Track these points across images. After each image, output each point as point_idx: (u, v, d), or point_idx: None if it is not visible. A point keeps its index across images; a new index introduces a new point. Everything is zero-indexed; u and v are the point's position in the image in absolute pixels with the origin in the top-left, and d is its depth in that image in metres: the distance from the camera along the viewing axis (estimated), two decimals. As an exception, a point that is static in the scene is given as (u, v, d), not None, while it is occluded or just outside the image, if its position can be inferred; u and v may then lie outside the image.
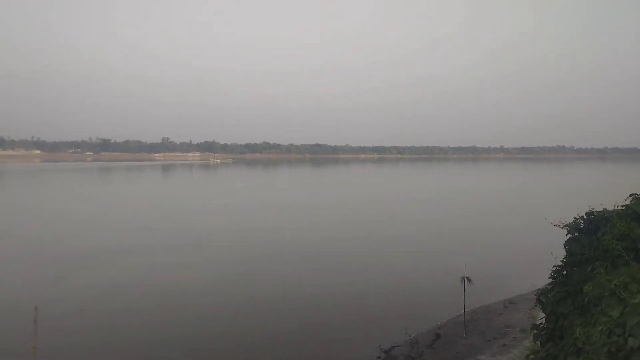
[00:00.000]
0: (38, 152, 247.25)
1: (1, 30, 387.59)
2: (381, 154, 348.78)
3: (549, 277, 8.21)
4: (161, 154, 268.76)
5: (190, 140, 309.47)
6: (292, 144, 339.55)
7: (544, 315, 8.20)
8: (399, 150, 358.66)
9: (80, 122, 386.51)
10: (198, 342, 14.16)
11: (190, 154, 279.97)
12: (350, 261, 25.63)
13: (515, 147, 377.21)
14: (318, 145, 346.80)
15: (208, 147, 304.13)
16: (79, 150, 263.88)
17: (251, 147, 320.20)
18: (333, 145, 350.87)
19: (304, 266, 23.18)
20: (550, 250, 8.50)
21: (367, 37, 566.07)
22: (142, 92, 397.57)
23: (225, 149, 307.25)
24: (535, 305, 9.43)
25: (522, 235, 35.65)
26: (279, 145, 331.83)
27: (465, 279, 19.68)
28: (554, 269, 8.13)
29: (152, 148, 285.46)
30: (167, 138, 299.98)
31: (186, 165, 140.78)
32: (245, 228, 33.96)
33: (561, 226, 8.44)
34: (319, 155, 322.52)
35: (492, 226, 40.35)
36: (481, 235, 36.08)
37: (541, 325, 8.04)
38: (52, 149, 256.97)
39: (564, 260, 8.11)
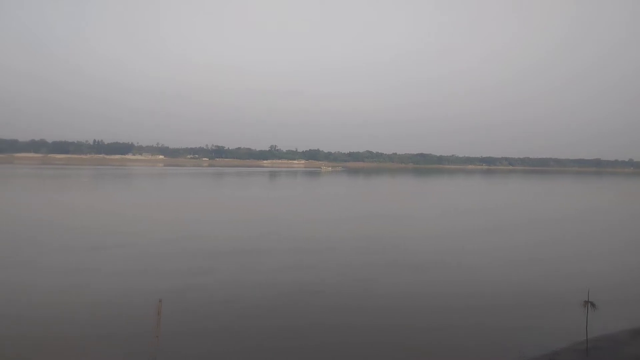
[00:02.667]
0: (161, 157, 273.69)
1: (138, 51, 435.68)
2: (490, 165, 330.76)
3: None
4: (269, 161, 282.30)
5: (296, 148, 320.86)
6: (395, 153, 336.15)
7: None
8: (510, 161, 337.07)
9: (199, 131, 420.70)
10: (339, 347, 13.74)
11: (295, 162, 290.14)
12: (465, 273, 23.94)
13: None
14: (422, 154, 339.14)
15: (312, 155, 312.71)
16: (196, 156, 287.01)
17: (354, 156, 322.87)
18: (438, 155, 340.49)
19: (417, 277, 22.06)
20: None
21: (483, 45, 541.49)
22: (252, 103, 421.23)
23: (329, 157, 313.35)
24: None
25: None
26: (381, 154, 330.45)
27: (589, 304, 17.41)
28: None
29: (261, 155, 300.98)
30: (275, 146, 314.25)
31: (295, 172, 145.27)
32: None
33: None
34: (423, 165, 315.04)
35: (622, 247, 35.58)
36: (609, 257, 31.93)
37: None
38: (173, 154, 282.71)
39: None
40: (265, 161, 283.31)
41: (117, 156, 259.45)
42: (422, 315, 16.35)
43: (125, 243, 22.41)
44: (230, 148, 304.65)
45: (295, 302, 15.08)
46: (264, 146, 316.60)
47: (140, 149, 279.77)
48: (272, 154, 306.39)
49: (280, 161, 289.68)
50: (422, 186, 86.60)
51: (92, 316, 12.45)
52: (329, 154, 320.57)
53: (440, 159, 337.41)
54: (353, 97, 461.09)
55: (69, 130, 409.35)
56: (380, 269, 20.33)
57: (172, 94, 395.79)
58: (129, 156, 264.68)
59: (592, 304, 17.35)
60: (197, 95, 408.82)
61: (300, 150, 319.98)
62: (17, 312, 12.85)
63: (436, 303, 18.19)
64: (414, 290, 18.51)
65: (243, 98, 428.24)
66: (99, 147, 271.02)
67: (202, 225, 29.08)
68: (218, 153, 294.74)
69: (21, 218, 28.36)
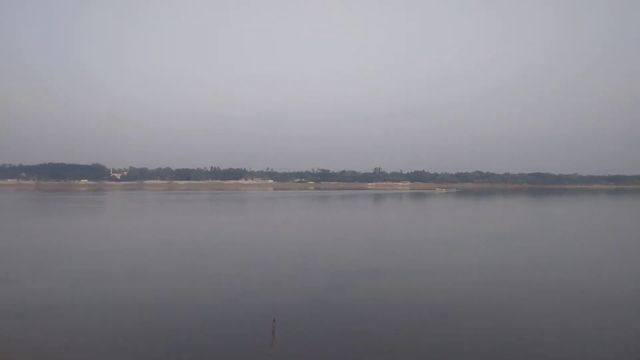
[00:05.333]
0: (271, 181, 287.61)
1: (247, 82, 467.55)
2: (619, 184, 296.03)
3: None
4: (373, 184, 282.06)
5: (401, 170, 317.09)
6: (507, 173, 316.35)
7: None
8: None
9: (303, 156, 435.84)
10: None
11: (400, 184, 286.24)
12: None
13: None
14: (538, 174, 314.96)
15: (417, 176, 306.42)
16: (303, 179, 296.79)
17: (462, 177, 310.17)
18: (557, 174, 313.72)
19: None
20: None
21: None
22: (352, 127, 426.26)
23: (435, 178, 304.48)
24: None
25: None
26: (492, 174, 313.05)
27: None
28: None
29: (365, 178, 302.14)
30: (379, 168, 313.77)
31: (400, 194, 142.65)
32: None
33: None
34: (539, 185, 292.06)
35: None
36: None
37: None
38: (282, 178, 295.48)
39: None
40: (369, 184, 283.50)
41: (232, 181, 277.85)
42: None
43: (264, 260, 22.87)
44: (335, 171, 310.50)
45: (430, 324, 13.68)
46: (368, 169, 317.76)
47: (252, 174, 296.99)
48: (377, 176, 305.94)
49: (384, 183, 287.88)
50: (555, 207, 79.32)
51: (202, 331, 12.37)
52: (435, 175, 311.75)
53: (560, 178, 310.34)
54: (461, 118, 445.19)
55: (190, 159, 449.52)
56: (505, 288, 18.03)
57: (267, 117, 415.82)
58: (242, 181, 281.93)
59: None
60: (296, 118, 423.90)
61: (404, 172, 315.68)
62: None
63: None
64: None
65: (345, 123, 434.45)
66: (216, 173, 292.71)
67: (325, 245, 28.81)
68: (323, 176, 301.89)
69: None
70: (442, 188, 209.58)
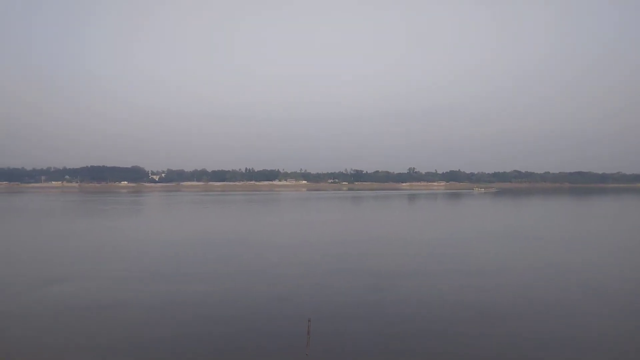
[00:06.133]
0: (304, 182, 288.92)
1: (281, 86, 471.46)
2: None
3: None
4: (407, 184, 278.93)
5: (436, 170, 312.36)
6: (547, 172, 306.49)
7: None
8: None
9: (336, 157, 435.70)
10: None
11: (435, 184, 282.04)
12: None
13: None
14: (580, 173, 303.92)
15: (453, 176, 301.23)
16: (336, 180, 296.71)
17: (499, 176, 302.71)
18: (600, 172, 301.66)
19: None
20: None
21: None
22: (388, 126, 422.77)
23: (471, 178, 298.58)
24: None
25: None
26: (531, 173, 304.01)
27: None
28: None
29: (399, 178, 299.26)
30: (413, 168, 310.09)
31: (435, 195, 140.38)
32: None
33: None
34: (581, 184, 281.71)
35: None
36: None
37: None
38: (315, 179, 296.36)
39: None
40: (403, 184, 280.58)
41: (266, 182, 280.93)
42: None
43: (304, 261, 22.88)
44: (368, 171, 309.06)
45: (472, 328, 13.35)
46: (402, 169, 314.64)
47: (285, 175, 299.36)
48: (411, 176, 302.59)
49: (419, 183, 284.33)
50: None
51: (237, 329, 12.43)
52: (471, 174, 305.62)
53: (603, 177, 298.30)
54: (497, 114, 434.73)
55: (225, 160, 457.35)
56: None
57: (297, 119, 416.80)
58: (276, 182, 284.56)
59: None
60: (328, 118, 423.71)
61: (439, 172, 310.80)
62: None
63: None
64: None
65: (380, 121, 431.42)
66: (250, 175, 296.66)
67: (362, 245, 28.67)
68: (356, 177, 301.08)
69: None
70: (480, 188, 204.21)
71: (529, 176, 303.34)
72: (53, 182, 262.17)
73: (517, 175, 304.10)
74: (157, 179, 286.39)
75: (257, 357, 11.52)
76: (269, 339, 12.55)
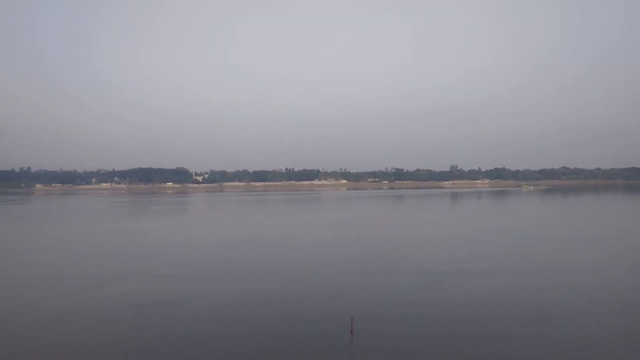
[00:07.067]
0: (344, 181, 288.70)
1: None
2: None
3: None
4: (449, 182, 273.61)
5: (479, 168, 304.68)
6: (598, 168, 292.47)
7: None
8: None
9: (378, 156, 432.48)
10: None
11: (479, 182, 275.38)
12: None
13: None
14: (634, 168, 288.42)
15: (497, 174, 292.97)
16: (376, 179, 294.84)
17: (546, 173, 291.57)
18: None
19: None
20: None
21: None
22: (437, 124, 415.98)
23: (517, 175, 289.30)
24: None
25: None
26: (581, 170, 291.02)
27: None
28: None
29: (441, 176, 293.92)
30: (455, 166, 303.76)
31: (479, 193, 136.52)
32: None
33: None
34: (636, 180, 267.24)
35: None
36: None
37: None
38: (355, 178, 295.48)
39: None
40: (445, 182, 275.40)
41: (306, 182, 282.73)
42: None
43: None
44: (409, 170, 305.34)
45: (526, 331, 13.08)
46: (444, 167, 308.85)
47: (325, 175, 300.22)
48: (453, 174, 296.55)
49: (462, 182, 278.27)
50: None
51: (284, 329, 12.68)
52: (517, 172, 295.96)
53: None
54: (543, 110, 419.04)
55: (265, 161, 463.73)
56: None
57: (335, 119, 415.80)
58: (316, 182, 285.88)
59: None
60: (370, 115, 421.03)
61: (483, 169, 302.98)
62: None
63: None
64: None
65: (421, 119, 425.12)
66: (291, 174, 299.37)
67: (409, 244, 28.51)
68: (397, 175, 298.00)
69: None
70: (529, 185, 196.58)
71: (578, 173, 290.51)
72: (103, 184, 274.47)
73: (566, 172, 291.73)
74: (200, 180, 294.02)
75: (301, 356, 11.66)
76: (312, 338, 12.71)
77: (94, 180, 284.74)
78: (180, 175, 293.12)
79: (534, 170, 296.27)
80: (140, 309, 15.41)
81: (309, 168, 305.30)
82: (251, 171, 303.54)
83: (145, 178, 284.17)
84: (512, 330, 13.14)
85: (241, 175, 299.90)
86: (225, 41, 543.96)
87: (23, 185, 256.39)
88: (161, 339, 12.66)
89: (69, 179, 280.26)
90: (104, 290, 18.03)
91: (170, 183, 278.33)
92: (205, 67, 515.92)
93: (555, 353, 11.58)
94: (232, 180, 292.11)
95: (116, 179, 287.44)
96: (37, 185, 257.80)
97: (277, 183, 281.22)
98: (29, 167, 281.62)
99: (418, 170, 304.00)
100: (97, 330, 13.42)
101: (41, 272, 21.72)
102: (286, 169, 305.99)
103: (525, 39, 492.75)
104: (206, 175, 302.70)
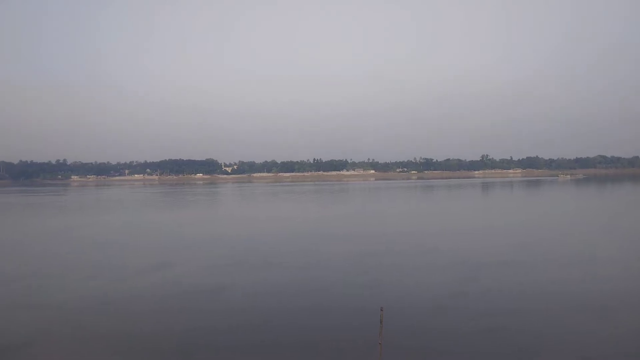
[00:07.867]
0: (372, 171, 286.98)
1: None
2: None
3: None
4: (480, 172, 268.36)
5: (511, 157, 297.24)
6: (636, 157, 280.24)
7: None
8: None
9: (406, 146, 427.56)
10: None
11: (511, 171, 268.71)
12: None
13: None
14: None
15: (530, 163, 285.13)
16: (405, 169, 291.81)
17: (582, 162, 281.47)
18: None
19: None
20: None
21: None
22: (460, 113, 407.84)
23: (551, 164, 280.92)
24: None
25: None
26: (618, 158, 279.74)
27: None
28: None
29: (471, 166, 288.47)
30: (486, 155, 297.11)
31: (515, 183, 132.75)
32: None
33: None
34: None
35: None
36: None
37: None
38: (384, 168, 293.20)
39: None
40: (476, 172, 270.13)
41: (334, 172, 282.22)
42: None
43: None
44: (438, 160, 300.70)
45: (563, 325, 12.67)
46: (475, 156, 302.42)
47: (353, 165, 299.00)
48: (484, 164, 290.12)
49: (493, 171, 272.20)
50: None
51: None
52: (550, 161, 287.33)
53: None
54: (576, 95, 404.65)
55: (292, 151, 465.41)
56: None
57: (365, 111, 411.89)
58: (344, 172, 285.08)
59: None
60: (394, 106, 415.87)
61: (515, 158, 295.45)
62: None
63: None
64: None
65: (452, 107, 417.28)
66: (318, 165, 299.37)
67: (443, 236, 28.14)
68: (426, 165, 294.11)
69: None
70: (566, 175, 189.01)
71: (615, 161, 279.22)
72: (135, 175, 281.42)
73: (603, 161, 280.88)
74: (229, 171, 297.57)
75: (332, 346, 11.67)
76: (343, 328, 12.70)
77: (127, 171, 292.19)
78: (210, 167, 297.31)
79: (569, 159, 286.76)
80: (179, 296, 15.80)
81: (337, 158, 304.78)
82: (279, 162, 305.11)
83: (176, 169, 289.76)
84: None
85: (269, 166, 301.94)
86: (259, 40, 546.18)
87: (59, 176, 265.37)
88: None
89: (103, 170, 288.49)
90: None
91: (200, 174, 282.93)
92: (234, 68, 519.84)
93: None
94: (260, 171, 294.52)
95: (148, 170, 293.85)
96: (73, 177, 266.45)
97: (305, 174, 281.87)
98: (64, 159, 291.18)
99: (448, 160, 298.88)
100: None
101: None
102: (314, 159, 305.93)
103: (562, 11, 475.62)
104: (235, 166, 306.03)
